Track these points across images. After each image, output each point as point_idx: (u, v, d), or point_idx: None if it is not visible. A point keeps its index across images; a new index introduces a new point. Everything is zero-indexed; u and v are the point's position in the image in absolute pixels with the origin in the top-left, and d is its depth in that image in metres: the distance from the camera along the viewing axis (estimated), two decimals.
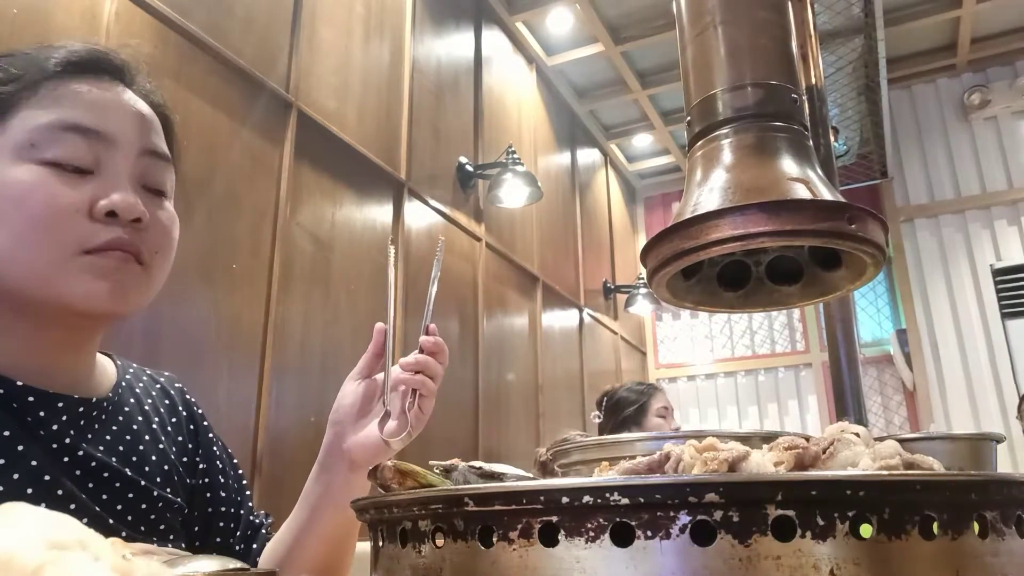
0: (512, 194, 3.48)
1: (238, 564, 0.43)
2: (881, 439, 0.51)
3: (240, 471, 0.92)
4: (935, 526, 0.37)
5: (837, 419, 1.00)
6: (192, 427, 0.86)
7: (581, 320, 4.60)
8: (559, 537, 0.37)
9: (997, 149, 4.83)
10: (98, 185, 0.68)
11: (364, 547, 0.51)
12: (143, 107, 0.76)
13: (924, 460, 0.43)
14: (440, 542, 0.42)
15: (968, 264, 4.72)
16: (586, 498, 0.36)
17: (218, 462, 0.88)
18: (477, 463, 0.53)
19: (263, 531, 0.91)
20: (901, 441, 0.54)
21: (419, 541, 0.43)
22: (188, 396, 0.89)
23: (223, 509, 0.87)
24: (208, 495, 0.85)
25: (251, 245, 2.22)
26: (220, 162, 2.16)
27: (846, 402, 1.24)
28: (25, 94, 0.68)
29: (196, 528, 0.84)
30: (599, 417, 2.69)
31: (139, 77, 0.78)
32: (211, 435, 0.89)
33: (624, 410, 2.58)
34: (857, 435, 0.47)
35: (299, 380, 2.32)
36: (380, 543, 0.47)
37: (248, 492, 0.92)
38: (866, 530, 0.36)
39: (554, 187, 4.51)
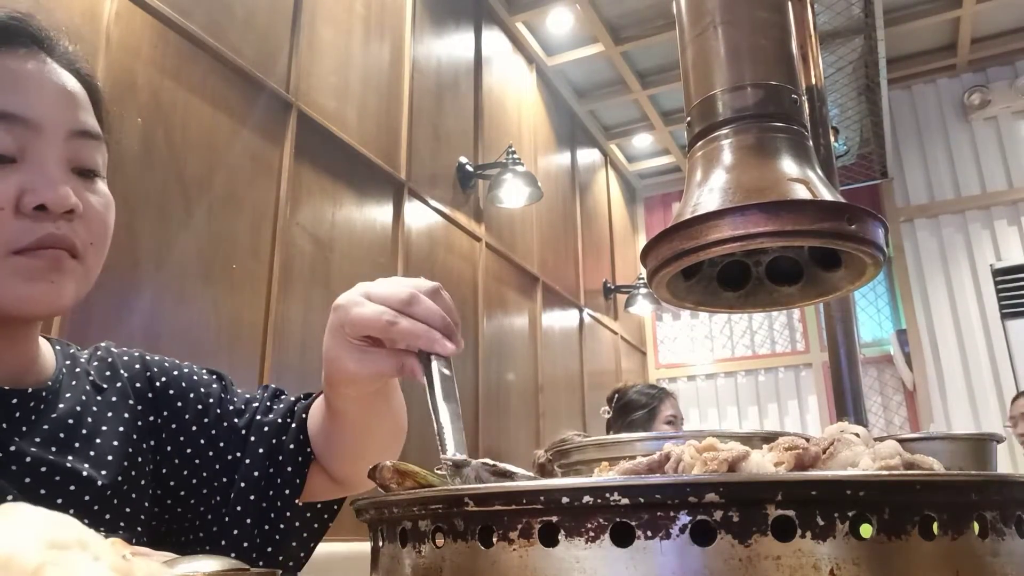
0: (512, 194, 3.49)
1: (238, 564, 0.43)
2: (881, 439, 0.51)
3: (214, 380, 0.86)
4: (935, 526, 0.37)
5: (837, 419, 1.00)
6: (138, 385, 0.80)
7: (581, 320, 4.60)
8: (559, 537, 0.37)
9: (997, 149, 4.83)
10: (23, 176, 0.62)
11: (364, 547, 0.51)
12: (68, 81, 0.68)
13: (924, 460, 0.43)
14: (440, 542, 0.42)
15: (968, 264, 4.72)
16: (586, 498, 0.36)
17: (182, 383, 0.83)
18: (490, 460, 0.53)
19: (264, 395, 0.86)
20: (901, 441, 0.54)
21: (419, 541, 0.43)
22: (125, 356, 0.83)
23: (206, 420, 0.82)
24: (187, 418, 0.81)
25: (251, 245, 2.22)
26: (220, 162, 2.16)
27: (846, 402, 1.24)
28: None
29: (182, 460, 0.79)
30: (608, 413, 2.67)
31: (60, 43, 0.69)
32: (163, 370, 0.84)
33: (633, 413, 2.57)
34: (857, 435, 0.47)
35: (299, 380, 2.32)
36: (380, 543, 0.47)
37: (232, 393, 0.86)
38: (866, 530, 0.36)
39: (554, 187, 4.51)
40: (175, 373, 0.84)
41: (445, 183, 3.39)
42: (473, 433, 3.18)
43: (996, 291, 4.60)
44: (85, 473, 0.69)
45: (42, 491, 0.66)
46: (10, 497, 0.64)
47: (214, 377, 0.87)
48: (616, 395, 2.69)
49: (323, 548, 0.89)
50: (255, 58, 2.34)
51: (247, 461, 0.81)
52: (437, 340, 0.63)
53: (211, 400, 0.83)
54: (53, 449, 0.69)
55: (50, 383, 0.72)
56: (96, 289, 0.73)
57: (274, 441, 0.82)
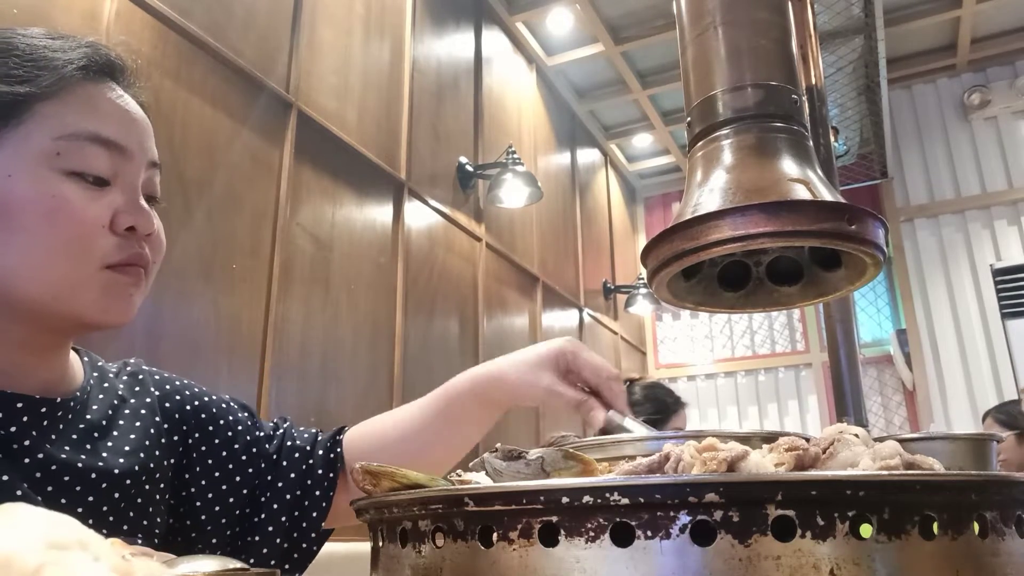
0: (512, 194, 3.49)
1: (238, 564, 0.43)
2: (881, 439, 0.51)
3: (239, 409, 0.91)
4: (935, 526, 0.37)
5: (837, 419, 1.00)
6: (167, 405, 0.84)
7: (581, 320, 4.60)
8: (559, 537, 0.37)
9: (997, 149, 4.83)
10: (116, 198, 0.69)
11: (364, 547, 0.51)
12: (143, 116, 0.75)
13: (924, 460, 0.43)
14: (440, 542, 0.42)
15: (968, 264, 4.72)
16: (586, 498, 0.36)
17: (212, 408, 0.87)
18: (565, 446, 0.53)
19: (286, 424, 0.93)
20: (901, 441, 0.54)
21: (419, 541, 0.43)
22: (156, 375, 0.87)
23: (236, 446, 0.86)
24: (216, 442, 0.85)
25: (251, 245, 2.22)
26: (220, 162, 2.16)
27: (846, 402, 1.24)
28: (42, 96, 0.67)
29: (206, 483, 0.83)
30: None
31: (133, 77, 0.77)
32: (194, 395, 0.87)
33: (650, 412, 2.49)
34: (856, 435, 0.47)
35: (299, 380, 2.32)
36: (380, 543, 0.47)
37: (258, 421, 0.92)
38: (866, 530, 0.36)
39: (554, 187, 4.51)
40: (206, 399, 0.89)
41: (445, 183, 3.39)
42: None
43: (996, 291, 4.60)
44: (115, 474, 0.73)
45: (63, 500, 0.68)
46: (36, 499, 0.65)
47: (243, 406, 0.93)
48: (634, 386, 2.55)
49: (323, 548, 0.91)
50: (255, 58, 2.34)
51: (279, 484, 0.87)
52: (626, 407, 0.82)
53: (240, 428, 0.88)
54: (82, 456, 0.71)
55: (78, 393, 0.75)
56: None
57: (304, 466, 0.89)
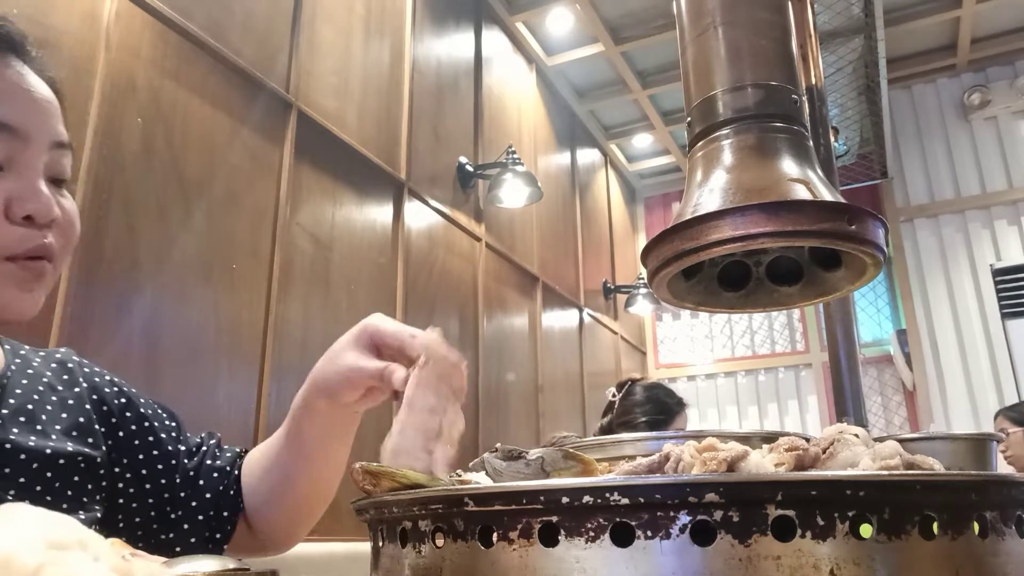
0: (512, 194, 3.49)
1: (238, 564, 0.43)
2: (881, 439, 0.51)
3: (167, 418, 0.88)
4: (935, 526, 0.37)
5: (837, 419, 1.00)
6: (95, 397, 0.82)
7: (581, 320, 4.60)
8: (559, 537, 0.37)
9: (997, 149, 4.83)
10: (11, 184, 0.64)
11: (364, 547, 0.51)
12: (47, 92, 0.70)
13: (924, 460, 0.44)
14: (440, 542, 0.42)
15: (968, 264, 4.72)
16: (586, 498, 0.36)
17: (140, 409, 0.85)
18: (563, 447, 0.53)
19: (212, 442, 0.89)
20: (901, 441, 0.54)
21: (419, 541, 0.43)
22: (87, 367, 0.85)
23: (155, 452, 0.83)
24: (136, 443, 0.82)
25: (251, 245, 2.22)
26: (220, 162, 2.16)
27: (846, 402, 1.24)
28: None
29: (128, 479, 0.81)
30: (615, 396, 2.48)
31: (32, 49, 0.71)
32: (123, 392, 0.85)
33: (652, 413, 2.43)
34: (856, 436, 0.47)
35: (299, 380, 2.30)
36: (380, 543, 0.47)
37: (183, 433, 0.89)
38: (866, 530, 0.36)
39: (554, 187, 4.51)
40: (135, 400, 0.86)
41: (445, 183, 3.38)
42: (473, 433, 3.18)
43: (996, 291, 4.60)
44: (51, 447, 0.71)
45: (6, 470, 0.67)
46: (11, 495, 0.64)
47: (171, 415, 0.90)
48: (635, 386, 2.51)
49: (323, 548, 0.90)
50: (255, 58, 2.34)
51: (193, 504, 0.84)
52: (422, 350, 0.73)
53: (163, 436, 0.85)
54: (9, 437, 0.69)
55: None
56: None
57: (220, 488, 0.85)
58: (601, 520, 0.36)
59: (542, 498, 0.37)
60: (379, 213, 2.89)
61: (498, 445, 0.53)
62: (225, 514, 0.85)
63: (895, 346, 4.78)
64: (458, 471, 0.59)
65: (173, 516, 0.83)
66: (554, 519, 0.37)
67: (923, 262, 4.83)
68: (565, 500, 0.37)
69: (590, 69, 4.68)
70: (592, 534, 0.36)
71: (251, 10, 2.36)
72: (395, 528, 0.45)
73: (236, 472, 0.87)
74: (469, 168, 3.53)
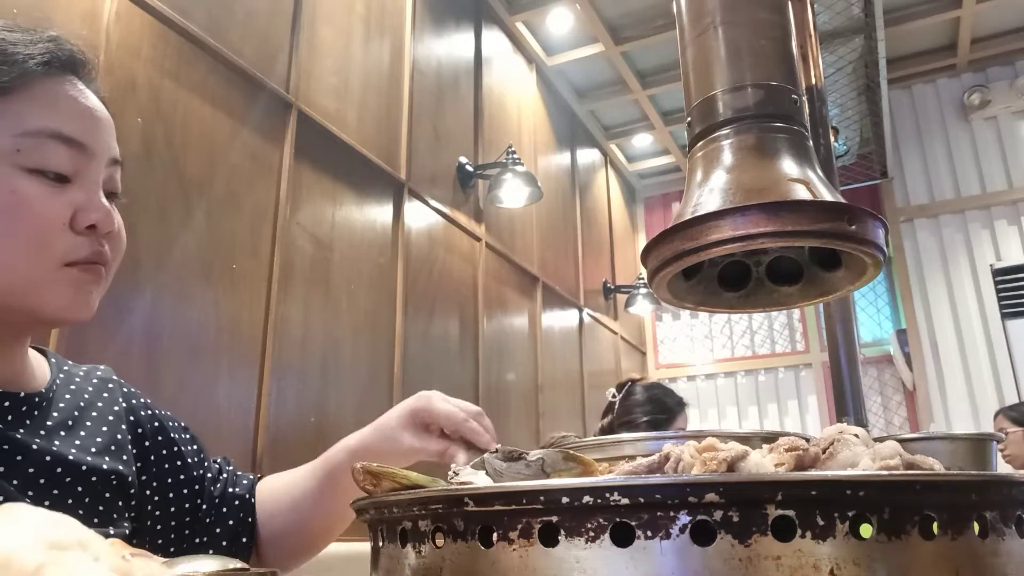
0: (512, 194, 3.49)
1: (238, 564, 0.43)
2: (881, 439, 0.51)
3: (190, 441, 0.91)
4: (935, 526, 0.37)
5: (837, 419, 1.00)
6: (132, 418, 0.84)
7: (581, 320, 4.60)
8: (559, 537, 0.37)
9: (997, 149, 4.83)
10: (77, 195, 0.69)
11: (364, 547, 0.51)
12: (105, 112, 0.75)
13: (924, 460, 0.44)
14: (440, 542, 0.42)
15: (968, 264, 4.72)
16: (586, 498, 0.36)
17: (171, 434, 0.88)
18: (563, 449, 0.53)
19: (230, 468, 0.93)
20: (901, 441, 0.54)
21: (419, 541, 0.43)
22: (125, 388, 0.87)
23: (182, 477, 0.86)
24: (166, 467, 0.85)
25: (251, 245, 2.22)
26: (220, 162, 2.16)
27: (846, 402, 1.24)
28: (2, 92, 0.66)
29: (156, 501, 0.83)
30: (615, 396, 2.48)
31: (94, 72, 0.76)
32: (156, 416, 0.87)
33: (652, 413, 2.43)
34: (856, 436, 0.47)
35: (299, 380, 2.32)
36: (380, 543, 0.47)
37: (207, 458, 0.92)
38: (866, 530, 0.36)
39: (554, 187, 4.51)
40: (167, 422, 0.89)
41: (445, 183, 3.38)
42: None
43: (996, 291, 4.60)
44: (87, 463, 0.73)
45: (32, 489, 0.68)
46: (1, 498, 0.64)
47: (193, 438, 0.93)
48: (635, 386, 2.50)
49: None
50: (255, 58, 2.34)
51: (217, 531, 0.88)
52: (491, 441, 0.85)
53: (190, 461, 0.89)
54: (52, 449, 0.71)
55: (44, 390, 0.75)
56: None
57: (240, 515, 0.90)
58: (601, 520, 0.36)
59: (542, 498, 0.37)
60: (379, 213, 2.89)
61: (498, 446, 0.53)
62: (244, 540, 0.89)
63: (895, 346, 4.78)
64: (457, 472, 0.59)
65: (197, 541, 0.86)
66: (554, 519, 0.37)
67: (923, 262, 4.83)
68: (565, 500, 0.37)
69: (590, 69, 4.68)
70: (592, 534, 0.36)
71: (251, 10, 2.36)
72: (395, 528, 0.45)
73: (253, 500, 0.91)
74: (469, 168, 3.53)
